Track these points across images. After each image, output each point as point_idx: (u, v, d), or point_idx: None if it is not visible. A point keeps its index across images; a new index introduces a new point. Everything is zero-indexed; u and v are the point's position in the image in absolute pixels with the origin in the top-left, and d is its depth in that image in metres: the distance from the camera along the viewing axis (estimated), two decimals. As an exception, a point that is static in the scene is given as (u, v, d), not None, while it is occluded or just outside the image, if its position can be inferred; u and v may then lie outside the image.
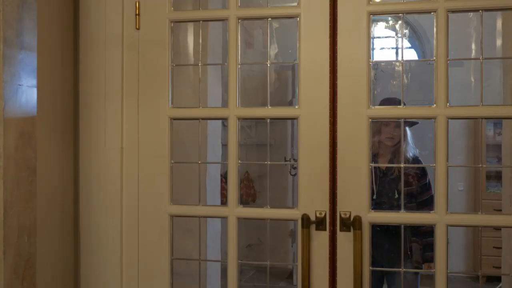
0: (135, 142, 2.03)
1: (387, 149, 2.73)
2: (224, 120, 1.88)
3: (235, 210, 1.85)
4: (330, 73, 1.69)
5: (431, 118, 1.57)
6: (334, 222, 1.68)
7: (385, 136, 2.67)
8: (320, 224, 1.70)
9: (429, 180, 2.74)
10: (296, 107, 1.75)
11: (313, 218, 1.70)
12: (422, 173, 2.72)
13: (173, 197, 1.99)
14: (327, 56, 1.69)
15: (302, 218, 1.68)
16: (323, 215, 1.71)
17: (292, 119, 1.83)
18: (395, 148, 2.70)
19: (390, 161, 2.73)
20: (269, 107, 1.85)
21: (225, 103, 1.93)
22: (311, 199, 1.75)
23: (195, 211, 1.97)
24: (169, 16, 1.94)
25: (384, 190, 2.65)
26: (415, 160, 2.76)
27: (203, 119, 1.95)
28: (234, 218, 1.85)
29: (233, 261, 1.87)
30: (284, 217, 1.96)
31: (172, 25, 1.95)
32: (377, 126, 2.66)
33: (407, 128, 2.69)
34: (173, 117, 1.96)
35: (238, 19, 1.81)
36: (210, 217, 2.03)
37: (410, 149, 2.76)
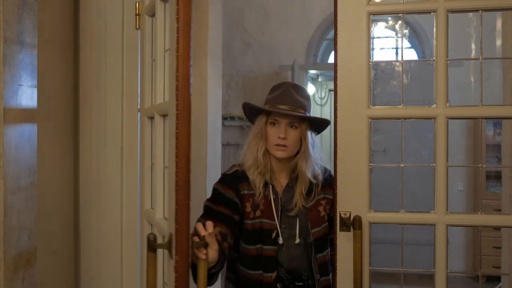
0: (135, 142, 2.03)
1: (279, 165, 1.79)
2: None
3: (155, 220, 1.80)
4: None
5: (431, 118, 1.57)
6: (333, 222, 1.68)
7: (272, 142, 1.72)
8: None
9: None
10: (296, 107, 1.75)
11: None
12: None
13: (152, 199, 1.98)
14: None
15: None
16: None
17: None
18: (293, 163, 1.78)
19: (288, 192, 1.78)
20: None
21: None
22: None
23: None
24: (146, 11, 1.95)
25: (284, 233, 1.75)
26: (329, 179, 1.82)
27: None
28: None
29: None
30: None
31: (152, 19, 1.96)
32: (259, 128, 1.77)
33: (310, 134, 1.78)
34: (148, 116, 1.96)
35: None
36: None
37: (317, 165, 1.81)
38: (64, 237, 2.00)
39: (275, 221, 1.72)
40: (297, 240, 1.73)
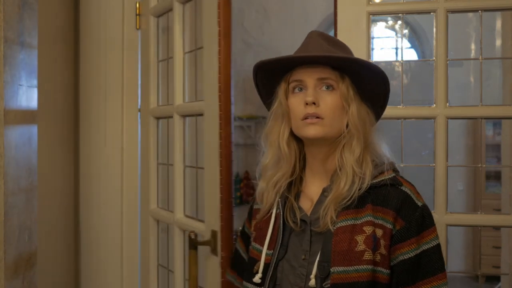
0: (135, 142, 2.03)
1: (314, 159, 1.13)
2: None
3: (175, 219, 1.83)
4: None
5: (430, 118, 1.57)
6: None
7: (298, 116, 1.07)
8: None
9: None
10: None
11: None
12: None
13: (159, 199, 2.00)
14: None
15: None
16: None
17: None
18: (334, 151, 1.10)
19: (323, 201, 1.07)
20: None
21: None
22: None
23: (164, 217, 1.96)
24: (151, 12, 1.96)
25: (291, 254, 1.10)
26: (393, 194, 1.05)
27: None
28: (177, 229, 1.83)
29: (180, 274, 1.82)
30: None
31: (158, 20, 1.98)
32: (278, 102, 1.12)
33: (356, 101, 1.10)
34: (156, 116, 1.97)
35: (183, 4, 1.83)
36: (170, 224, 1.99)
37: (374, 153, 1.14)
38: (64, 237, 2.00)
39: (263, 246, 1.10)
40: (312, 281, 1.02)
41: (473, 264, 5.17)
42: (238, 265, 1.24)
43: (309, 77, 1.06)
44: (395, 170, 1.09)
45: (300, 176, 1.15)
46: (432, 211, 1.58)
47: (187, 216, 1.80)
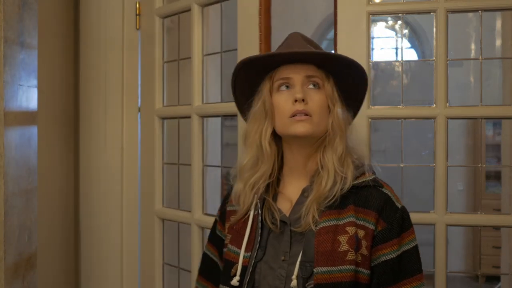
0: (135, 142, 2.03)
1: (297, 158, 1.11)
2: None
3: (194, 218, 1.84)
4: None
5: (430, 118, 1.57)
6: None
7: (286, 113, 1.06)
8: None
9: None
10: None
11: None
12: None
13: (164, 198, 1.99)
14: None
15: None
16: None
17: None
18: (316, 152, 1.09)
19: (304, 202, 1.05)
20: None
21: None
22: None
23: (174, 216, 1.96)
24: (157, 13, 1.96)
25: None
26: (375, 195, 1.06)
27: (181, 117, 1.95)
28: (196, 227, 1.84)
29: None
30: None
31: (163, 21, 1.97)
32: (261, 101, 1.10)
33: (340, 102, 1.10)
34: (162, 117, 1.97)
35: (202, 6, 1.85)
36: (182, 223, 1.97)
37: (355, 154, 1.13)
38: (64, 237, 2.00)
39: (241, 248, 1.07)
40: (293, 282, 1.00)
41: (473, 264, 5.16)
42: (209, 271, 1.20)
43: (297, 74, 1.06)
44: (373, 172, 1.10)
45: (277, 178, 1.13)
46: (431, 211, 1.59)
47: (206, 215, 1.83)
